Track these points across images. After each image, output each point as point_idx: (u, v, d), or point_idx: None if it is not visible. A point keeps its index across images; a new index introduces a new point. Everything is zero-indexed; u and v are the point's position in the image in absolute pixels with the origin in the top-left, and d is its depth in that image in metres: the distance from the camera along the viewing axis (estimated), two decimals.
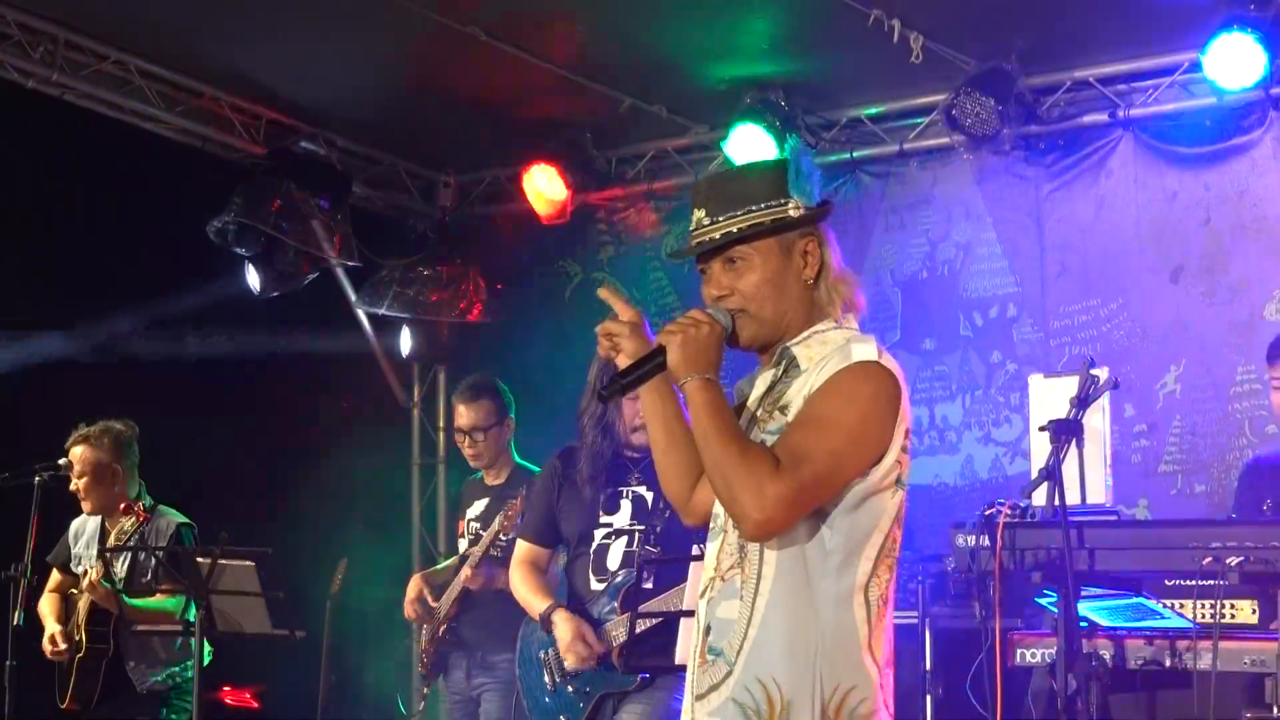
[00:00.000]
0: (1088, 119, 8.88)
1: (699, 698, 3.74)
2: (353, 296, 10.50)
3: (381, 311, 10.45)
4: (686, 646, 5.55)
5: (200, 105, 9.50)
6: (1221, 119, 8.50)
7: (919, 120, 9.36)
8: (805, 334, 3.78)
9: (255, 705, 9.71)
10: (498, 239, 10.81)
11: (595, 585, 6.13)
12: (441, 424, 11.17)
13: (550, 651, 6.16)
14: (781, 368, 3.79)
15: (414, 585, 7.64)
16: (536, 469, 7.52)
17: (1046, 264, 9.09)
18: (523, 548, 6.43)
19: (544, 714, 6.25)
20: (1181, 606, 6.56)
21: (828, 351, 3.72)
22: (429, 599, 7.54)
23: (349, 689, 10.26)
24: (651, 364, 3.77)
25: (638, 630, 5.83)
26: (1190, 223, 8.65)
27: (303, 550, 8.97)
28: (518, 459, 7.77)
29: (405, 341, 10.74)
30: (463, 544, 7.68)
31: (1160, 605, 6.46)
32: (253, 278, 9.89)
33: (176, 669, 7.39)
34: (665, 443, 3.97)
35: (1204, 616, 6.37)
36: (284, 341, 10.08)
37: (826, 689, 3.59)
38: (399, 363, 10.98)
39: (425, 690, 8.05)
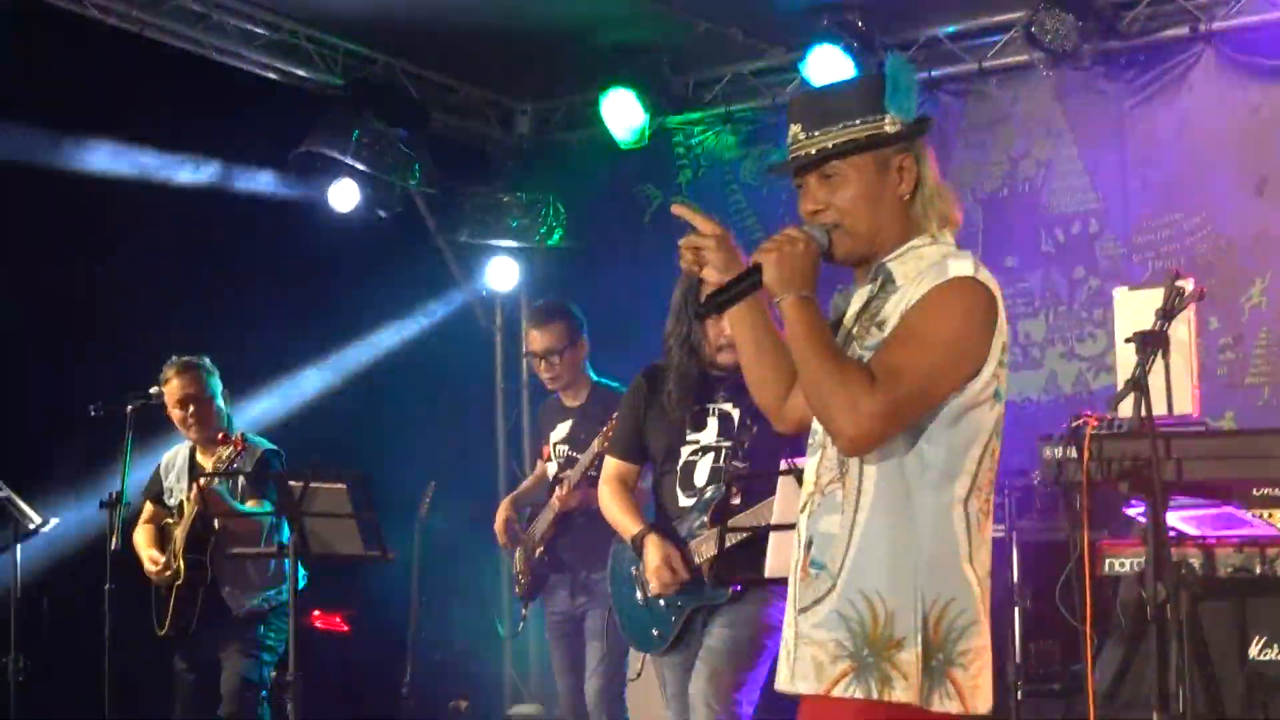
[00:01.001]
0: (1168, 33, 8.82)
1: (802, 610, 3.76)
2: (433, 225, 10.56)
3: (463, 239, 10.51)
4: (776, 560, 5.64)
5: (278, 39, 9.55)
6: None
7: (997, 38, 9.33)
8: (902, 249, 3.78)
9: (346, 629, 9.82)
10: (576, 165, 10.83)
11: (684, 501, 6.17)
12: (524, 349, 11.22)
13: (641, 567, 6.21)
14: (878, 283, 3.79)
15: (503, 510, 7.73)
16: (615, 385, 7.58)
17: (1129, 179, 9.06)
18: (611, 465, 6.47)
19: (636, 628, 6.31)
20: (1270, 516, 6.58)
21: (924, 267, 3.72)
22: (517, 526, 7.62)
23: (439, 612, 10.36)
24: (747, 282, 3.77)
25: (727, 545, 5.87)
26: (1274, 135, 8.59)
27: (391, 475, 9.06)
28: (595, 377, 7.77)
29: (487, 268, 10.79)
30: (551, 468, 7.70)
31: (1249, 514, 6.47)
32: (339, 197, 9.91)
33: (271, 593, 7.48)
34: (755, 354, 3.98)
35: None
36: (366, 270, 10.16)
37: (927, 601, 3.62)
38: (481, 289, 11.04)
39: (525, 612, 8.09)
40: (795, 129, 3.85)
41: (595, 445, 7.17)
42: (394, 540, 7.23)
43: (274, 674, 7.43)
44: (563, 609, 7.60)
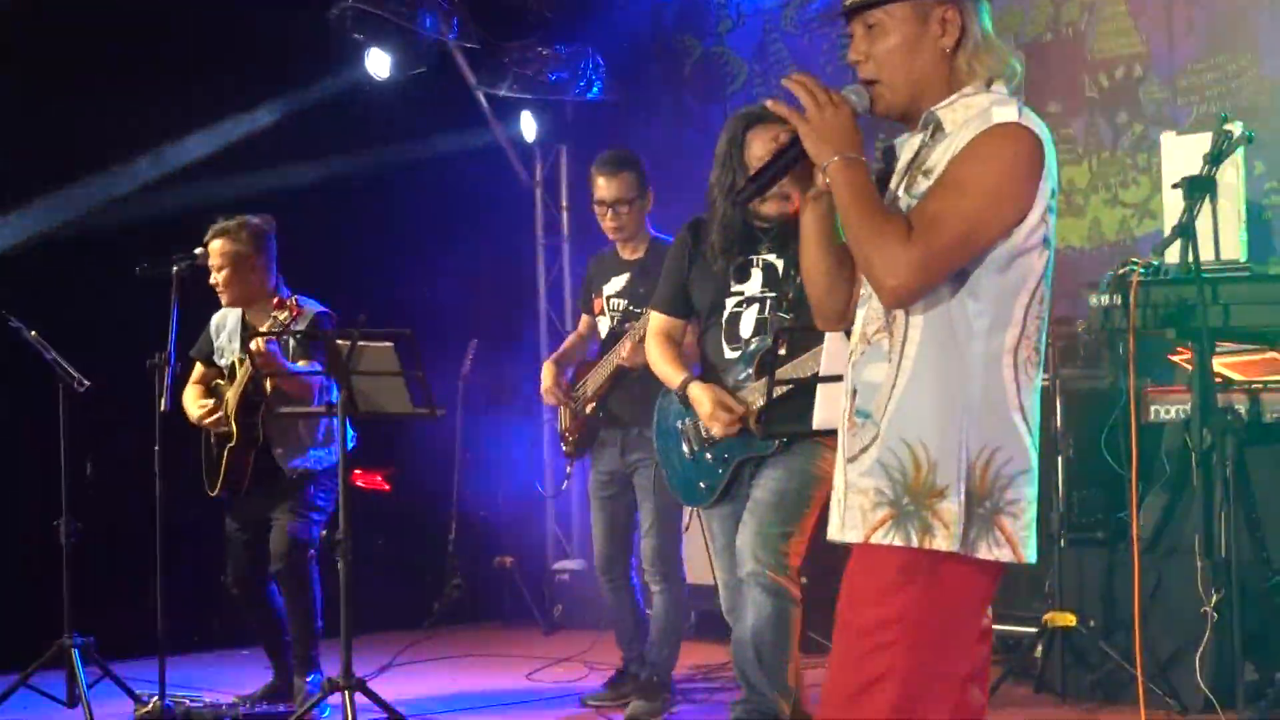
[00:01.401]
0: None
1: (850, 460, 3.77)
2: (473, 80, 10.52)
3: (502, 93, 10.48)
4: (824, 412, 5.64)
5: None
6: None
7: None
8: (952, 98, 3.76)
9: (387, 488, 9.89)
10: (614, 16, 10.75)
11: (729, 354, 6.17)
12: (565, 203, 11.23)
13: (688, 420, 6.22)
14: (929, 132, 3.77)
15: (548, 372, 7.66)
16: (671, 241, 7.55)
17: (1174, 21, 8.94)
18: (656, 319, 6.47)
19: (683, 482, 6.33)
20: None
21: (971, 115, 3.71)
22: (564, 384, 7.60)
23: (483, 470, 10.44)
24: (786, 158, 3.76)
25: (774, 395, 5.89)
26: None
27: (433, 332, 9.09)
28: (654, 232, 7.69)
29: (526, 122, 10.77)
30: (603, 321, 7.63)
31: None
32: (374, 63, 9.91)
33: (322, 452, 7.52)
34: (822, 260, 3.95)
35: None
36: (405, 127, 10.14)
37: (973, 449, 3.62)
38: (520, 143, 11.01)
39: (569, 470, 8.12)
40: None
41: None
42: (439, 396, 7.25)
43: (324, 533, 7.48)
44: (611, 467, 7.53)
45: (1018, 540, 3.65)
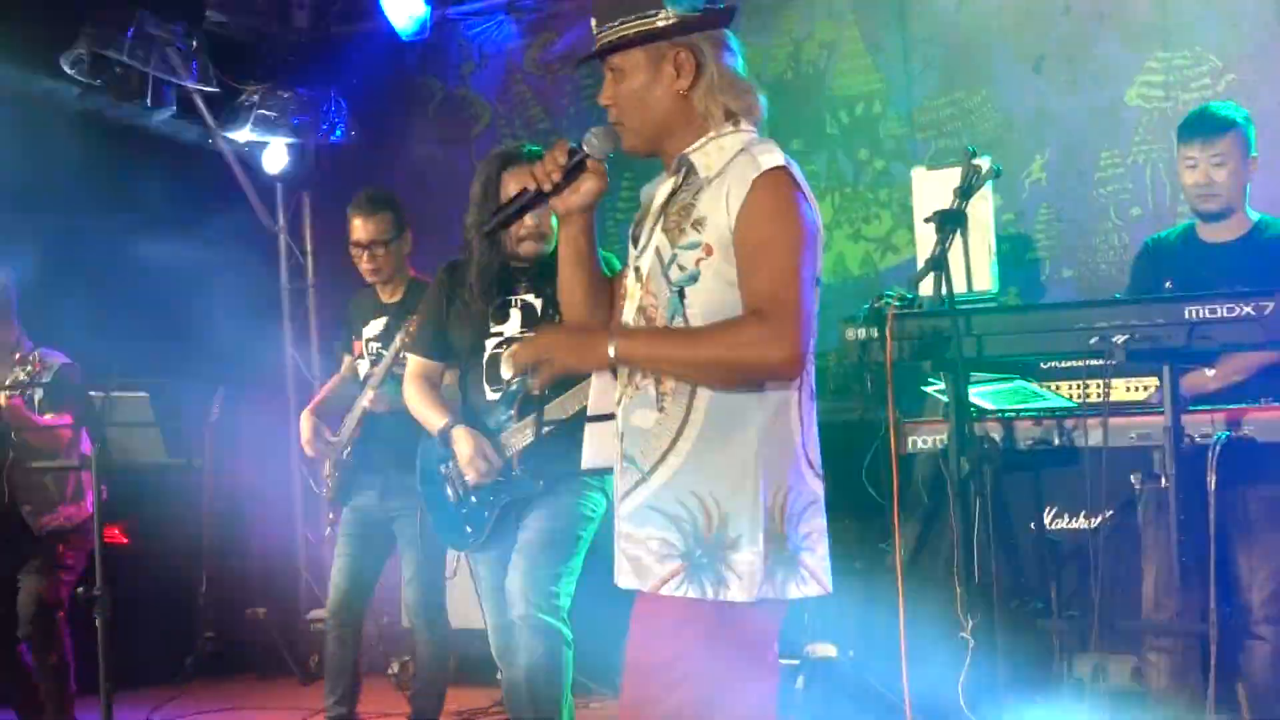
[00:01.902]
0: None
1: (619, 501, 3.83)
2: (213, 123, 10.37)
3: (244, 137, 10.34)
4: (593, 450, 5.62)
5: None
6: None
7: None
8: (701, 140, 3.82)
9: (125, 540, 9.66)
10: (356, 58, 10.70)
11: (490, 395, 6.15)
12: (309, 247, 11.11)
13: (451, 464, 6.19)
14: (681, 175, 3.84)
15: (306, 424, 7.50)
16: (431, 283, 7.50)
17: (910, 59, 9.15)
18: (415, 363, 6.43)
19: (449, 527, 6.29)
20: (1056, 388, 6.74)
21: (726, 158, 3.76)
22: (325, 433, 7.49)
23: (232, 519, 10.28)
24: (526, 199, 3.98)
25: (533, 439, 5.89)
26: (1051, 11, 8.71)
27: (178, 381, 8.92)
28: (414, 273, 7.61)
29: (269, 166, 10.63)
30: (362, 365, 7.54)
31: (1039, 387, 6.63)
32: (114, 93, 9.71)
33: (72, 509, 7.35)
34: (579, 276, 4.03)
35: (1076, 396, 6.54)
36: (143, 170, 9.96)
37: (768, 496, 3.67)
38: (263, 188, 10.87)
39: (331, 516, 7.87)
40: (593, 21, 3.92)
41: (397, 342, 7.07)
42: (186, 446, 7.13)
43: (79, 590, 7.29)
44: (370, 511, 7.42)
45: (820, 571, 3.71)
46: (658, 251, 3.78)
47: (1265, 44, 8.13)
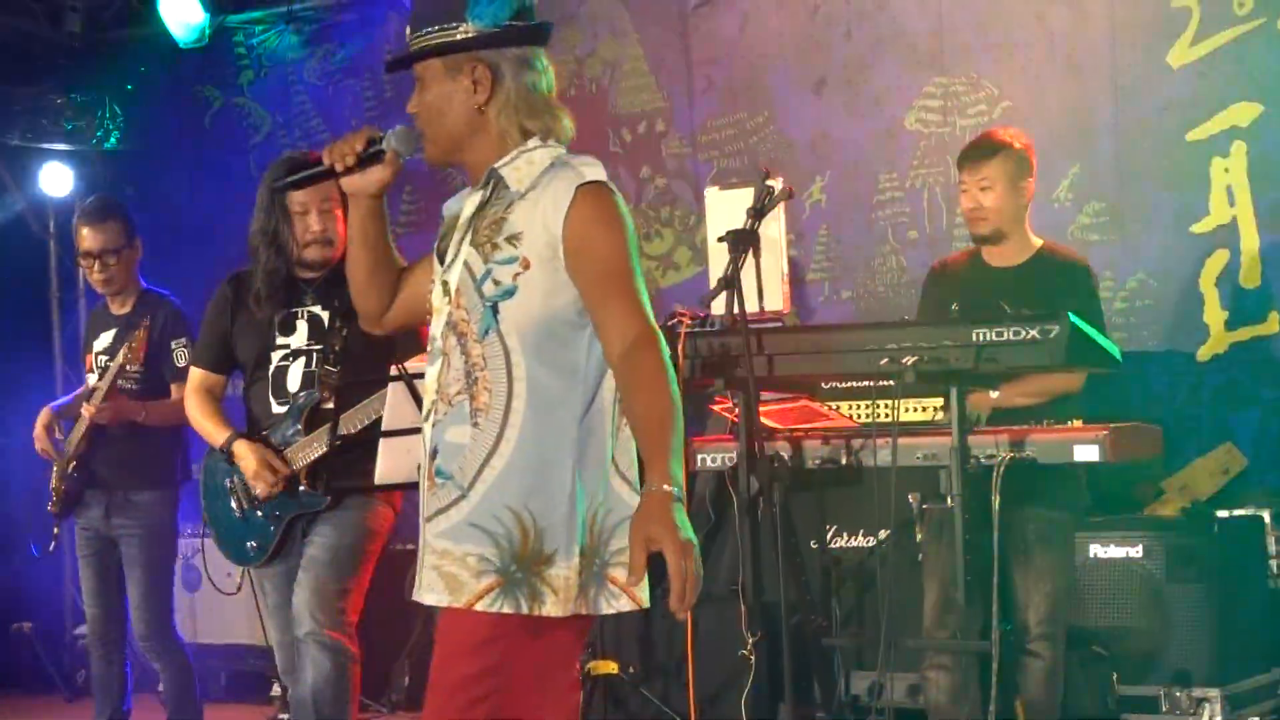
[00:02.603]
0: None
1: (428, 519, 3.79)
2: None
3: (13, 143, 10.12)
4: (387, 466, 5.58)
5: None
6: None
7: None
8: (512, 155, 3.81)
9: None
10: (132, 65, 10.52)
11: (276, 408, 6.08)
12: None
13: (236, 479, 6.10)
14: (490, 188, 3.83)
15: (42, 418, 7.38)
16: (165, 293, 7.38)
17: (694, 79, 9.22)
18: (196, 375, 6.33)
19: (233, 542, 6.19)
20: (838, 408, 6.82)
21: (537, 172, 3.76)
22: (56, 433, 7.33)
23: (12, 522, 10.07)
24: (316, 171, 4.04)
25: (325, 451, 5.84)
26: (832, 36, 8.82)
27: None
28: (145, 284, 7.45)
29: (41, 173, 10.40)
30: (91, 378, 7.37)
31: (824, 407, 6.70)
32: None
33: None
34: (363, 257, 4.02)
35: (862, 416, 6.63)
36: None
37: (582, 509, 3.67)
38: (35, 197, 10.62)
39: (55, 530, 7.69)
40: (407, 29, 3.89)
41: (121, 356, 6.94)
42: None
43: None
44: (94, 527, 7.28)
45: (634, 588, 3.70)
46: (468, 265, 3.76)
47: (1039, 74, 8.30)
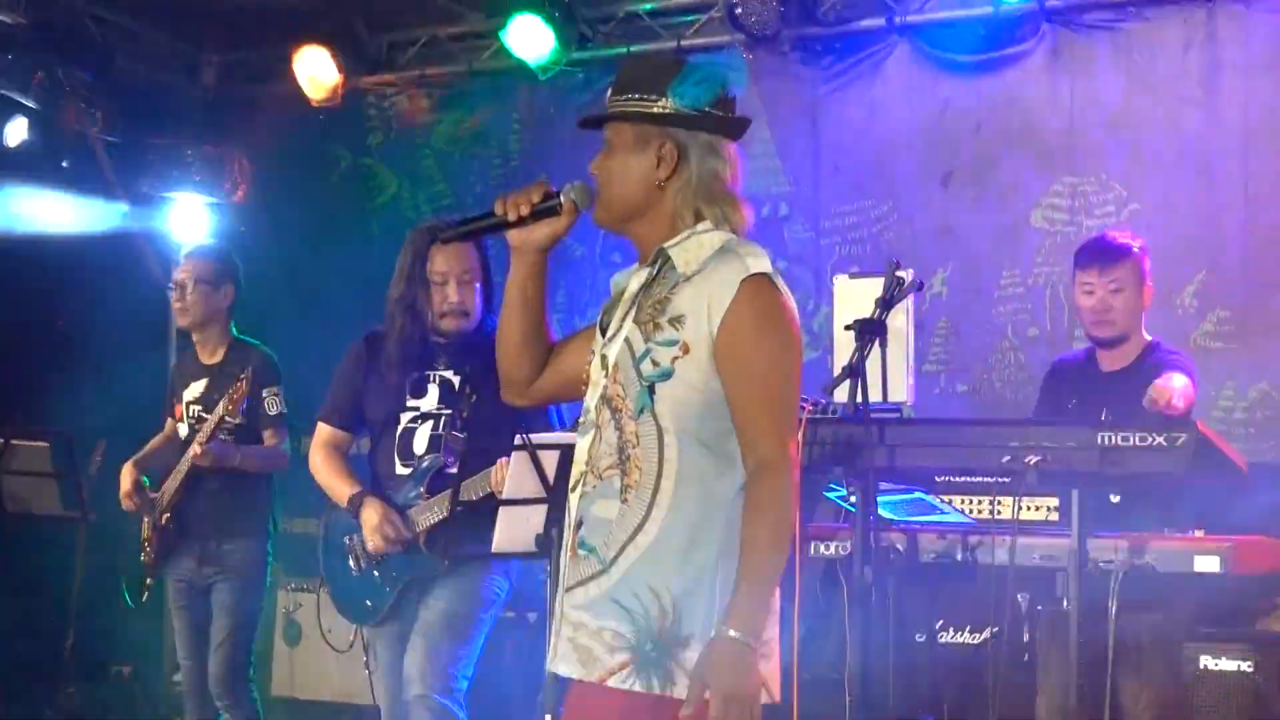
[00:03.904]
0: (864, 23, 8.99)
1: (568, 589, 3.79)
2: (113, 174, 10.27)
3: (143, 190, 10.25)
4: (505, 535, 5.60)
5: None
6: (995, 28, 8.68)
7: (695, 17, 9.41)
8: (682, 236, 3.82)
9: None
10: (264, 120, 10.64)
11: (401, 470, 6.12)
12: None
13: (355, 537, 6.14)
14: (657, 267, 3.83)
15: (127, 475, 7.41)
16: (256, 343, 7.44)
17: (820, 165, 9.24)
18: (324, 431, 6.38)
19: (349, 600, 6.23)
20: (949, 500, 6.78)
21: (706, 255, 3.76)
22: (145, 490, 7.36)
23: (103, 574, 10.08)
24: (488, 221, 3.99)
25: (446, 516, 5.86)
26: (961, 129, 8.84)
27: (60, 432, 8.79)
28: (236, 334, 7.52)
29: (167, 221, 10.52)
30: (181, 429, 7.45)
31: (938, 500, 6.66)
32: (10, 135, 9.59)
33: None
34: (521, 318, 4.01)
35: (982, 512, 6.58)
36: (43, 220, 9.83)
37: (724, 595, 3.66)
38: (159, 243, 10.74)
39: (149, 581, 7.67)
40: (609, 91, 3.94)
41: (221, 408, 6.98)
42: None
43: None
44: (188, 577, 7.35)
45: (771, 681, 3.69)
46: (628, 342, 3.77)
47: (1169, 177, 8.28)
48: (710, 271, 3.72)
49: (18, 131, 9.57)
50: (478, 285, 6.02)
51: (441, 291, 6.06)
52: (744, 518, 3.66)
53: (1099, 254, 6.42)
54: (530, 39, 9.21)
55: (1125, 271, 6.31)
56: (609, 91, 3.92)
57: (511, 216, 3.92)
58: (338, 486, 6.20)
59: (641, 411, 3.70)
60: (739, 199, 3.89)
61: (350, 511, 6.10)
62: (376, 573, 6.10)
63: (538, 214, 3.92)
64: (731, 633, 3.54)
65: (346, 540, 6.19)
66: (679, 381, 3.68)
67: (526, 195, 3.91)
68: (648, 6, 9.50)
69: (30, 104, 9.37)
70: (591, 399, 3.84)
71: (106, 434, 9.69)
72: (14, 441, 6.40)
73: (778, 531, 3.63)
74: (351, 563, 6.17)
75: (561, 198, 3.92)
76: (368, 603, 6.13)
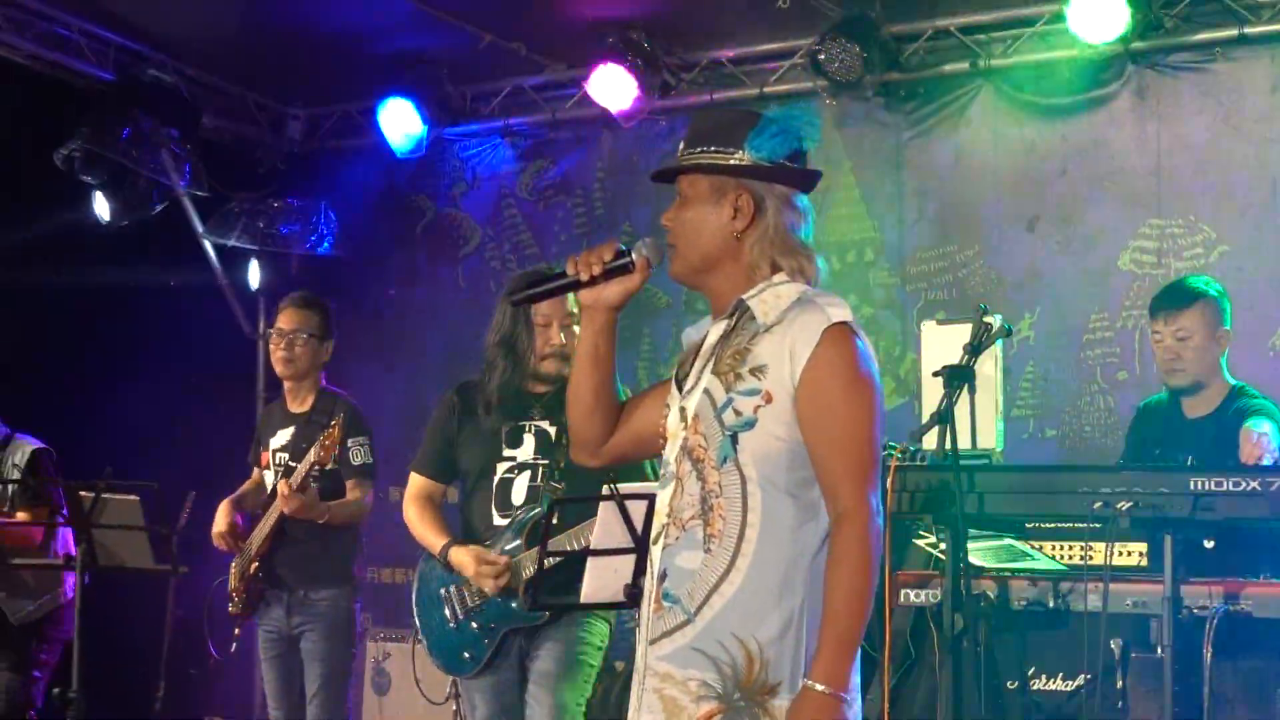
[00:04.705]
0: (948, 68, 8.99)
1: (652, 642, 3.78)
2: (200, 228, 10.36)
3: (230, 243, 10.32)
4: (593, 585, 5.58)
5: (49, 30, 9.31)
6: (1080, 71, 8.64)
7: (778, 64, 9.42)
8: (760, 287, 3.82)
9: None
10: (348, 172, 10.73)
11: (498, 520, 6.11)
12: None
13: (452, 588, 6.13)
14: (734, 319, 3.84)
15: (223, 514, 7.44)
16: (343, 394, 7.47)
17: (905, 210, 9.22)
18: (418, 482, 6.38)
19: (447, 652, 6.18)
20: (1040, 548, 6.73)
21: (784, 306, 3.76)
22: (239, 531, 7.40)
23: (197, 624, 10.13)
24: (560, 282, 4.01)
25: (545, 566, 5.85)
26: (1048, 173, 8.80)
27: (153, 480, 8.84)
28: (324, 383, 7.55)
29: (254, 274, 10.62)
30: (268, 476, 7.48)
31: (1029, 547, 6.61)
32: (101, 206, 9.73)
33: (47, 598, 7.25)
34: (593, 375, 4.02)
35: (1073, 558, 6.53)
36: (131, 272, 9.92)
37: (811, 644, 3.65)
38: (246, 295, 10.82)
39: (237, 632, 7.71)
40: (681, 144, 3.95)
41: (313, 454, 6.98)
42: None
43: (55, 691, 7.14)
44: (277, 627, 7.37)
45: None
46: (708, 393, 3.76)
47: (1258, 218, 8.22)
48: (791, 321, 3.72)
49: (102, 206, 9.67)
50: (578, 330, 6.02)
51: (544, 334, 6.08)
52: (827, 567, 3.65)
53: (1164, 302, 6.40)
54: (614, 88, 9.22)
55: (1192, 319, 6.28)
56: (681, 144, 3.93)
57: (584, 277, 3.93)
58: (430, 538, 6.20)
59: (725, 461, 3.70)
60: (812, 251, 3.92)
61: (444, 562, 6.09)
62: (474, 624, 6.08)
63: (609, 273, 3.93)
64: (818, 686, 3.54)
65: (442, 592, 6.18)
66: (762, 430, 3.68)
67: (598, 254, 3.93)
68: (731, 53, 9.50)
69: (120, 160, 9.43)
70: (672, 451, 3.84)
71: (194, 487, 9.78)
72: (105, 495, 6.42)
73: (859, 581, 3.62)
74: (447, 614, 6.15)
75: (634, 255, 3.93)
76: (465, 654, 6.11)
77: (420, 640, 6.36)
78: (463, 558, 6.02)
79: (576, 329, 5.99)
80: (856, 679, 3.71)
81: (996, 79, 8.89)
